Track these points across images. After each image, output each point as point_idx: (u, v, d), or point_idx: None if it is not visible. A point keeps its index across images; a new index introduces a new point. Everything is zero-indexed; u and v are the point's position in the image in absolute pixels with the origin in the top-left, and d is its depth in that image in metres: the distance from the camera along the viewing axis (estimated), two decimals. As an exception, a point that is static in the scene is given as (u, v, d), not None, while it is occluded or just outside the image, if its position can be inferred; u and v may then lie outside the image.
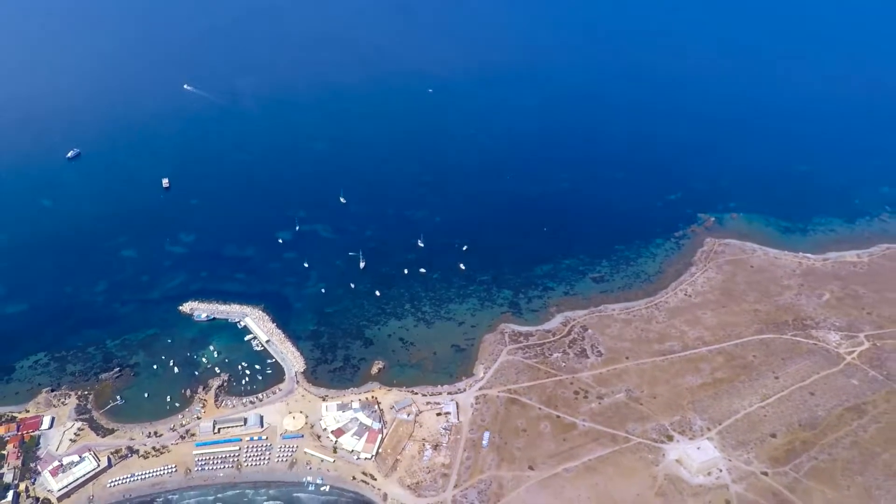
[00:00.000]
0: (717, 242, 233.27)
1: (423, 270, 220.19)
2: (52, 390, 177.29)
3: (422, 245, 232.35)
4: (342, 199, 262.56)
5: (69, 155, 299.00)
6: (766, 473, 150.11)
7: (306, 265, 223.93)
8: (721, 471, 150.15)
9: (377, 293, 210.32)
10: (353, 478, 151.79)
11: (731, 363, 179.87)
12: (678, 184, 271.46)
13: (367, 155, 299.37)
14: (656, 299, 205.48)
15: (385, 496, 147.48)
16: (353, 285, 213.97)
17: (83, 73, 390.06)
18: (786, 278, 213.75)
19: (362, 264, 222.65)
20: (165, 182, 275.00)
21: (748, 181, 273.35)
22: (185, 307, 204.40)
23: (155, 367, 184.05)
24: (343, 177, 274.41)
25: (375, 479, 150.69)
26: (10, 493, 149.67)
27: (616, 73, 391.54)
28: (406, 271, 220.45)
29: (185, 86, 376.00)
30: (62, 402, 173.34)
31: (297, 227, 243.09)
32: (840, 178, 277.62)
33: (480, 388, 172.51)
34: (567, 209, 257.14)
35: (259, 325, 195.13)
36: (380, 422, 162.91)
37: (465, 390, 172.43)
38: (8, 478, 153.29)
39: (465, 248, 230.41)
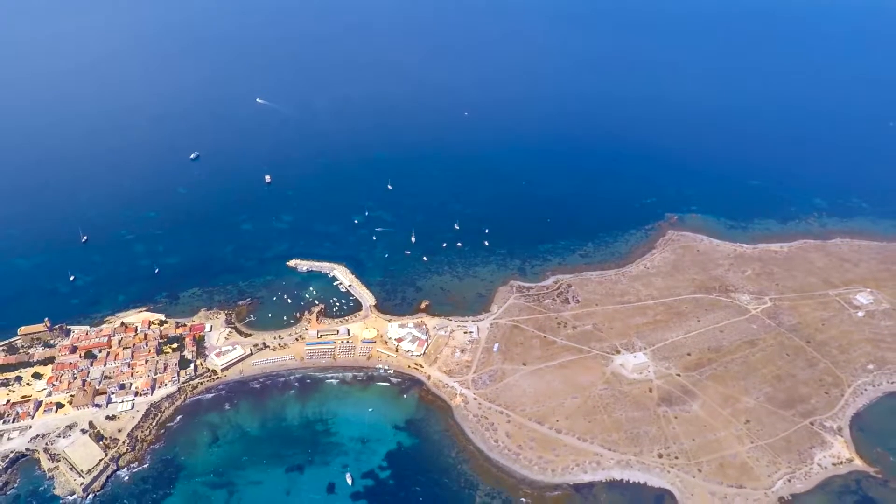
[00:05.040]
0: (675, 234, 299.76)
1: (459, 244, 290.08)
2: (208, 309, 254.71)
3: (457, 227, 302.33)
4: (389, 186, 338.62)
5: (192, 156, 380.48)
6: (679, 375, 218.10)
7: (374, 238, 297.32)
8: (649, 372, 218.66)
9: (424, 258, 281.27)
10: (409, 366, 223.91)
11: (669, 311, 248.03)
12: (654, 191, 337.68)
13: (416, 161, 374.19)
14: (623, 269, 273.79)
15: (429, 377, 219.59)
16: (407, 252, 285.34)
17: (177, 88, 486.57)
18: (721, 259, 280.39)
19: (413, 239, 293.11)
20: (268, 178, 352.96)
21: (709, 190, 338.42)
22: (291, 263, 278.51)
23: (274, 298, 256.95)
24: (399, 177, 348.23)
25: (423, 367, 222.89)
26: (192, 365, 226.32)
27: (609, 101, 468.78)
28: (445, 245, 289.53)
29: (258, 99, 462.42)
30: (216, 317, 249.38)
31: (366, 213, 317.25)
32: (783, 190, 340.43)
33: (494, 319, 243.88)
34: (566, 207, 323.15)
35: (343, 276, 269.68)
36: (426, 335, 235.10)
37: (483, 320, 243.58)
38: (188, 356, 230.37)
39: (487, 231, 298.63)
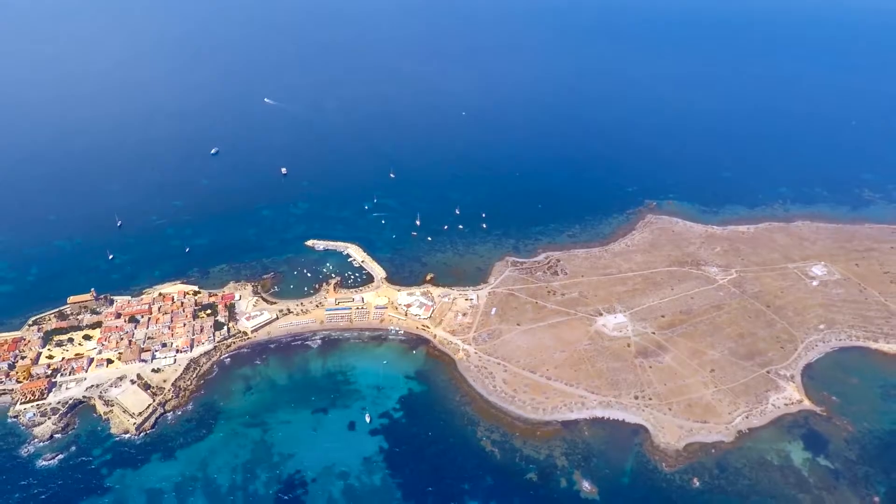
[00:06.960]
0: (654, 217, 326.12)
1: (460, 227, 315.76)
2: (236, 282, 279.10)
3: (457, 212, 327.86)
4: (391, 175, 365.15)
5: (212, 151, 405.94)
6: (654, 333, 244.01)
7: (383, 222, 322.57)
8: (628, 330, 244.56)
9: (429, 238, 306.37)
10: (417, 327, 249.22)
11: (646, 281, 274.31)
12: (635, 181, 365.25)
13: (420, 156, 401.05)
14: (607, 247, 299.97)
15: (435, 336, 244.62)
16: (414, 234, 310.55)
17: (196, 89, 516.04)
18: (694, 238, 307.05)
19: (418, 222, 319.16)
20: (283, 170, 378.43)
21: (685, 181, 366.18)
22: (309, 242, 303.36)
23: (295, 273, 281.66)
24: (404, 170, 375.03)
25: (430, 328, 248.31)
26: (225, 328, 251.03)
27: (596, 102, 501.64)
28: (447, 227, 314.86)
29: (266, 99, 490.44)
30: (243, 288, 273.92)
31: (375, 200, 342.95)
32: (752, 181, 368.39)
33: (491, 288, 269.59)
34: (556, 194, 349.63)
35: (356, 253, 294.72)
36: (432, 302, 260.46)
37: (482, 289, 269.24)
38: (221, 320, 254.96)
39: (484, 216, 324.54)
